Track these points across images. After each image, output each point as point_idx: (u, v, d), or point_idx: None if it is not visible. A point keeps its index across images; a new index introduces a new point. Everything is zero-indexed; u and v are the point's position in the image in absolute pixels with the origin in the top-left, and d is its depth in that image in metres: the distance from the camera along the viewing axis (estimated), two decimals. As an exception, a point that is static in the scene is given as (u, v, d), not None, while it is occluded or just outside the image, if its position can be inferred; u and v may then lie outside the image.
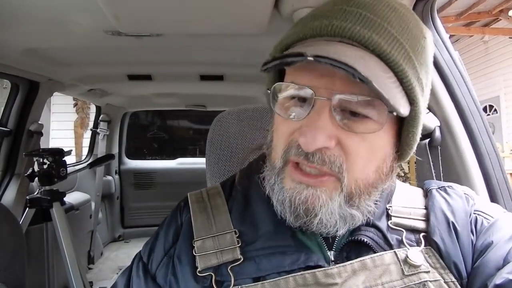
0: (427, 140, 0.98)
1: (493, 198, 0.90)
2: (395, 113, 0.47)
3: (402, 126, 0.53)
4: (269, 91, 0.54)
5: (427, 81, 0.53)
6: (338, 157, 0.49)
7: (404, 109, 0.47)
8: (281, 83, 0.53)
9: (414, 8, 0.94)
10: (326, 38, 0.49)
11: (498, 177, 0.91)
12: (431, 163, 0.98)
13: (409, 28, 0.50)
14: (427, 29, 0.54)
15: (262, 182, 0.57)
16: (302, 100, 0.50)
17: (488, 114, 7.12)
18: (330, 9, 0.51)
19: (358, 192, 0.51)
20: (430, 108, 1.00)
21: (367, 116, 0.48)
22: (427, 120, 0.98)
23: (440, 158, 0.98)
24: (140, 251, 0.66)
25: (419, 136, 0.54)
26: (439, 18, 1.00)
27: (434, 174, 0.97)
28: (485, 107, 7.14)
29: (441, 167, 0.97)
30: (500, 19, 6.36)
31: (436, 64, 0.97)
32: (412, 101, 0.49)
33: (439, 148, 0.98)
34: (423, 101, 0.51)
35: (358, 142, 0.49)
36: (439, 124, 0.98)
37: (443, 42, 0.99)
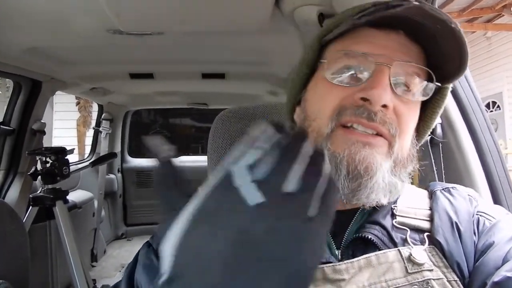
0: (428, 137, 0.98)
1: (494, 195, 0.90)
2: (437, 84, 0.54)
3: (424, 109, 0.58)
4: (323, 61, 0.57)
5: None
6: (394, 120, 0.53)
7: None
8: (343, 50, 0.55)
9: (415, 5, 0.94)
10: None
11: (500, 174, 0.91)
12: (433, 160, 0.98)
13: None
14: None
15: None
16: (351, 69, 0.54)
17: (491, 111, 7.09)
18: None
19: (401, 161, 0.55)
20: (431, 105, 1.00)
21: (415, 90, 0.53)
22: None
23: (441, 155, 0.98)
24: (148, 241, 0.64)
25: (438, 119, 0.60)
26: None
27: (435, 171, 0.97)
28: (488, 103, 7.11)
29: (442, 164, 0.97)
30: (503, 15, 6.31)
31: (438, 61, 0.97)
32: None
33: (440, 145, 0.98)
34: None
35: (408, 111, 0.54)
36: (440, 121, 0.97)
37: (444, 39, 0.98)
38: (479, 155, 0.93)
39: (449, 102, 0.96)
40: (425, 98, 0.55)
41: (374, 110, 0.51)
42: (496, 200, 0.89)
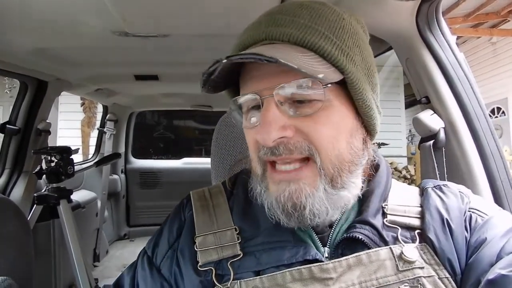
0: (431, 142, 0.98)
1: (497, 199, 0.90)
2: (329, 85, 0.51)
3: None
4: (230, 109, 0.60)
5: (359, 55, 0.56)
6: (301, 142, 0.52)
7: (329, 76, 0.51)
8: (233, 98, 0.58)
9: (418, 10, 0.94)
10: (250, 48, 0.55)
11: (503, 179, 0.91)
12: (436, 165, 0.98)
13: (322, 15, 0.55)
14: (346, 12, 0.58)
15: (253, 192, 0.60)
16: (257, 107, 0.55)
17: (496, 116, 7.05)
18: (249, 27, 0.59)
19: (337, 170, 0.54)
20: (434, 110, 1.00)
21: (311, 99, 0.52)
22: (431, 121, 0.98)
23: (444, 159, 0.98)
24: (145, 247, 0.69)
25: (371, 103, 0.57)
26: (444, 20, 0.99)
27: (438, 176, 0.97)
28: (493, 109, 7.07)
29: (445, 168, 0.97)
30: (509, 20, 6.30)
31: (441, 65, 0.97)
32: (342, 70, 0.52)
33: (443, 149, 0.98)
34: (357, 69, 0.54)
35: (314, 123, 0.52)
36: (443, 126, 0.97)
37: (448, 44, 0.99)
38: (482, 161, 0.93)
39: (452, 106, 0.97)
40: (321, 100, 0.52)
41: (273, 146, 0.52)
42: (499, 205, 0.89)
